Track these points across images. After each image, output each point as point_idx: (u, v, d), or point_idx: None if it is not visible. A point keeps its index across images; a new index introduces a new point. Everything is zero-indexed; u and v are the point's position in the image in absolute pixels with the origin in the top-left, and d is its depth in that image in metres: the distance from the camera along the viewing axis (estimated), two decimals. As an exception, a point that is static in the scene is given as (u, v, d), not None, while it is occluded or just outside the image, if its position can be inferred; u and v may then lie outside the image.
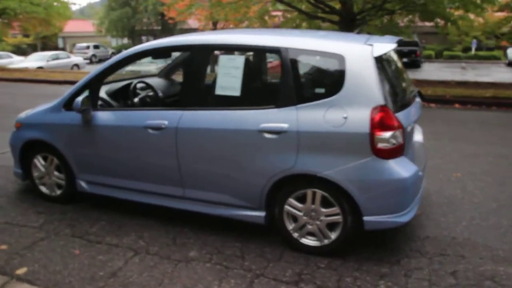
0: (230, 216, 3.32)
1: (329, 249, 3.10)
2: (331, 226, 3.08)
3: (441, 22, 14.21)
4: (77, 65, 24.00)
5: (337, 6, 13.55)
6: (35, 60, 22.68)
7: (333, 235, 3.07)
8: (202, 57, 3.31)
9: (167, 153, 3.36)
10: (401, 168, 2.87)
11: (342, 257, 3.11)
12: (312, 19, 14.29)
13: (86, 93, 3.70)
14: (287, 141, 2.97)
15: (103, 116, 3.61)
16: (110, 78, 3.86)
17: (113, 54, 35.80)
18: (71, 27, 36.11)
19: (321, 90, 3.03)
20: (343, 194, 2.94)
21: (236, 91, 3.18)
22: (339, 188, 2.93)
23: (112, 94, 4.02)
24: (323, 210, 3.04)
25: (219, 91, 3.23)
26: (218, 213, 3.36)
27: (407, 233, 3.48)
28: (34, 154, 4.06)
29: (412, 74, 18.97)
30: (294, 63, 3.04)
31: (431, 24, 14.61)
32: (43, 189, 4.14)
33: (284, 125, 2.97)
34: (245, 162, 3.13)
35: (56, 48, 37.36)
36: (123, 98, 4.09)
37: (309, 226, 3.12)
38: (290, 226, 3.18)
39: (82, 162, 3.79)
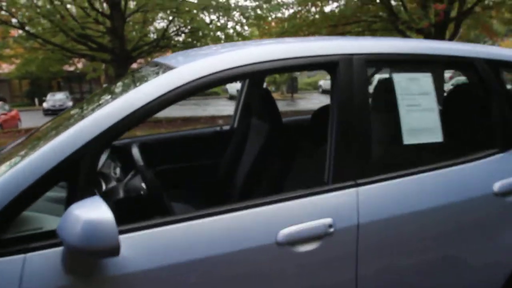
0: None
1: None
2: None
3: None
4: None
5: (104, 41, 11.77)
6: None
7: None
8: (362, 77, 1.73)
9: (336, 271, 1.62)
10: None
11: None
12: (79, 57, 11.93)
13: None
14: None
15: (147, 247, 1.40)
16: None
17: None
18: None
19: None
20: None
21: (436, 135, 1.81)
22: None
23: None
24: None
25: (408, 138, 1.77)
26: None
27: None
28: None
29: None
30: (501, 80, 2.01)
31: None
32: None
33: None
34: (474, 247, 1.83)
35: None
36: None
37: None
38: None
39: None
